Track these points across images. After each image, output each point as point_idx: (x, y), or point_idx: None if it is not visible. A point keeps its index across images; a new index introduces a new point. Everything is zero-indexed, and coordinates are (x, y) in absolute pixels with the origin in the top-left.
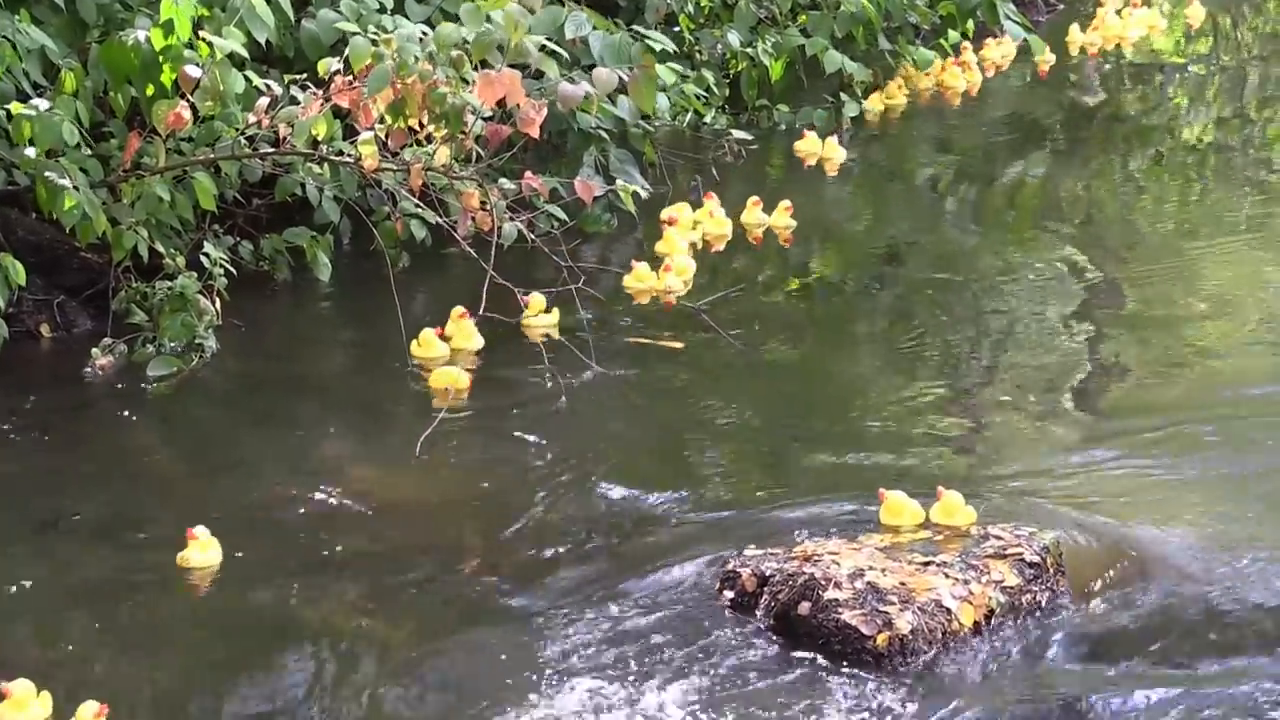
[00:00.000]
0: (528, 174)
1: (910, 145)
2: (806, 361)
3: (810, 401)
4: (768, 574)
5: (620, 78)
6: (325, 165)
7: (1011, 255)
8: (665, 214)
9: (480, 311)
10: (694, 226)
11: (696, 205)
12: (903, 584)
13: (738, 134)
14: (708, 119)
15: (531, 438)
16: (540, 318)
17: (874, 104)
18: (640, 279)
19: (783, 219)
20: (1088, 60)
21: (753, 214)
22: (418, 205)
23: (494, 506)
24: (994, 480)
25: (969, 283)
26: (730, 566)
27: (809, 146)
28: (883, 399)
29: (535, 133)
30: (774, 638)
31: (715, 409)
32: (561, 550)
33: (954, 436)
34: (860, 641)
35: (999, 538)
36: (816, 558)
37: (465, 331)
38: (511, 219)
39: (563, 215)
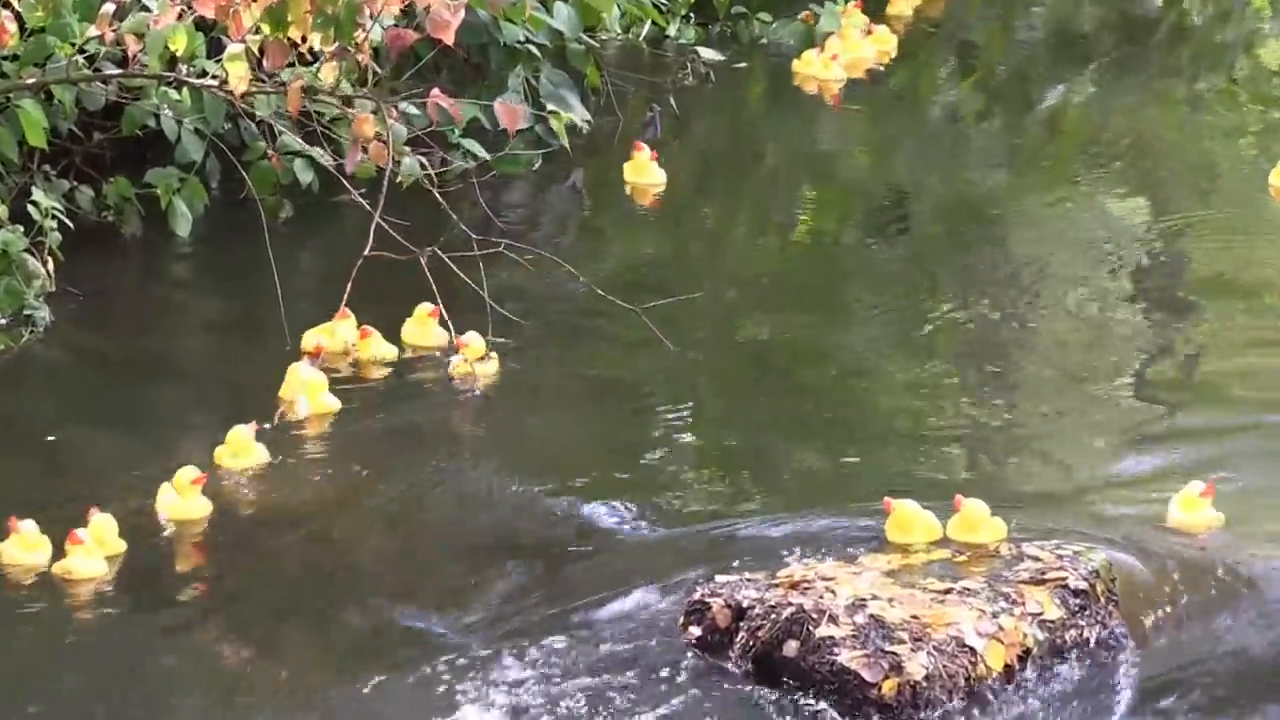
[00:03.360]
0: (436, 92)
1: (925, 65)
2: (792, 339)
3: (798, 389)
4: (745, 606)
5: None
6: (185, 90)
7: (1050, 204)
8: (310, 342)
9: (365, 252)
10: (345, 353)
11: (654, 141)
12: (915, 617)
13: (705, 53)
14: (670, 32)
15: (448, 436)
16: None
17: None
18: (236, 451)
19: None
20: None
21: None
22: (301, 142)
23: (402, 520)
24: (1028, 486)
25: (996, 239)
26: (698, 596)
27: (634, 171)
28: (888, 385)
29: (449, 39)
30: (753, 685)
31: (678, 399)
32: (487, 575)
33: (978, 432)
34: (862, 690)
35: (1036, 559)
36: (806, 585)
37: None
38: (414, 154)
39: (482, 152)
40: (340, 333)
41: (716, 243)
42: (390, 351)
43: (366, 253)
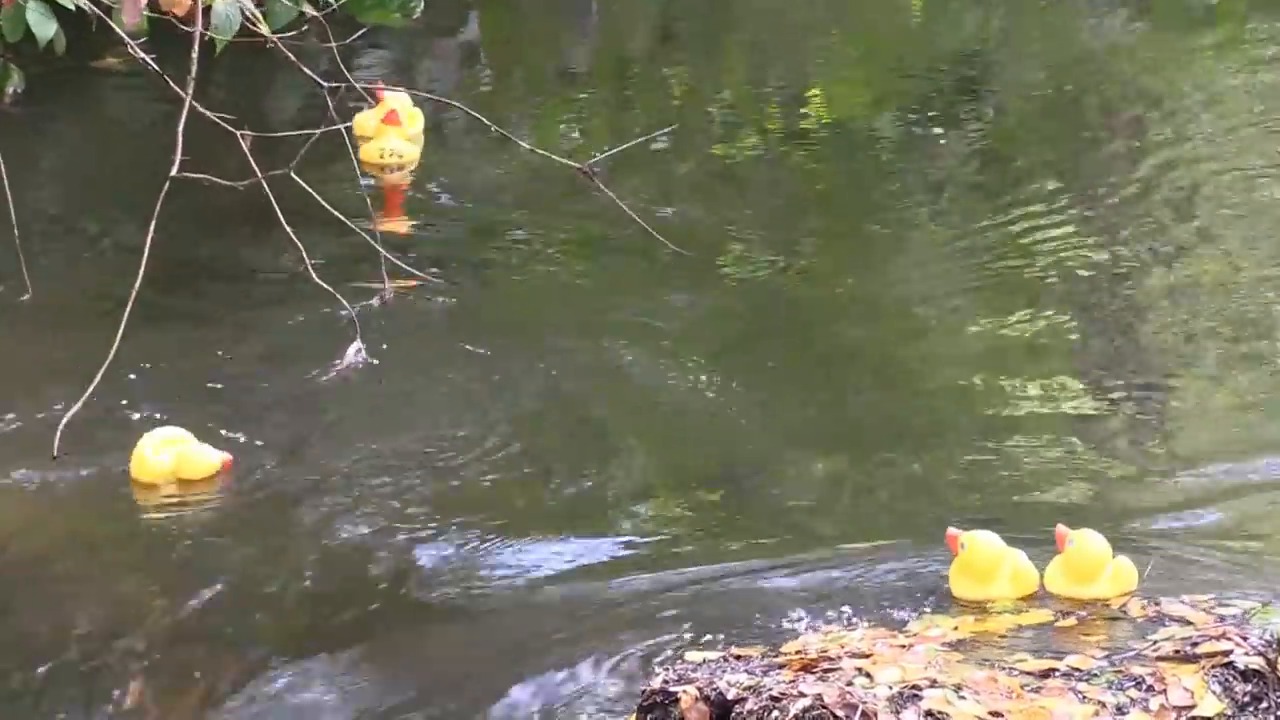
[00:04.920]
0: None
1: None
2: (811, 285)
3: (819, 360)
4: (731, 698)
5: None
6: None
7: (1209, 79)
8: None
9: (172, 172)
10: None
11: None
12: (997, 715)
13: None
14: None
15: (281, 437)
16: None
17: None
18: None
19: None
20: None
21: None
22: None
23: (209, 563)
24: (1170, 509)
25: (1121, 126)
26: (658, 684)
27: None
28: (953, 355)
29: None
30: None
31: (638, 379)
32: (341, 645)
33: (1091, 427)
34: None
35: (1183, 622)
36: (827, 665)
37: None
38: None
39: None
40: None
41: (694, 138)
42: None
43: (174, 171)
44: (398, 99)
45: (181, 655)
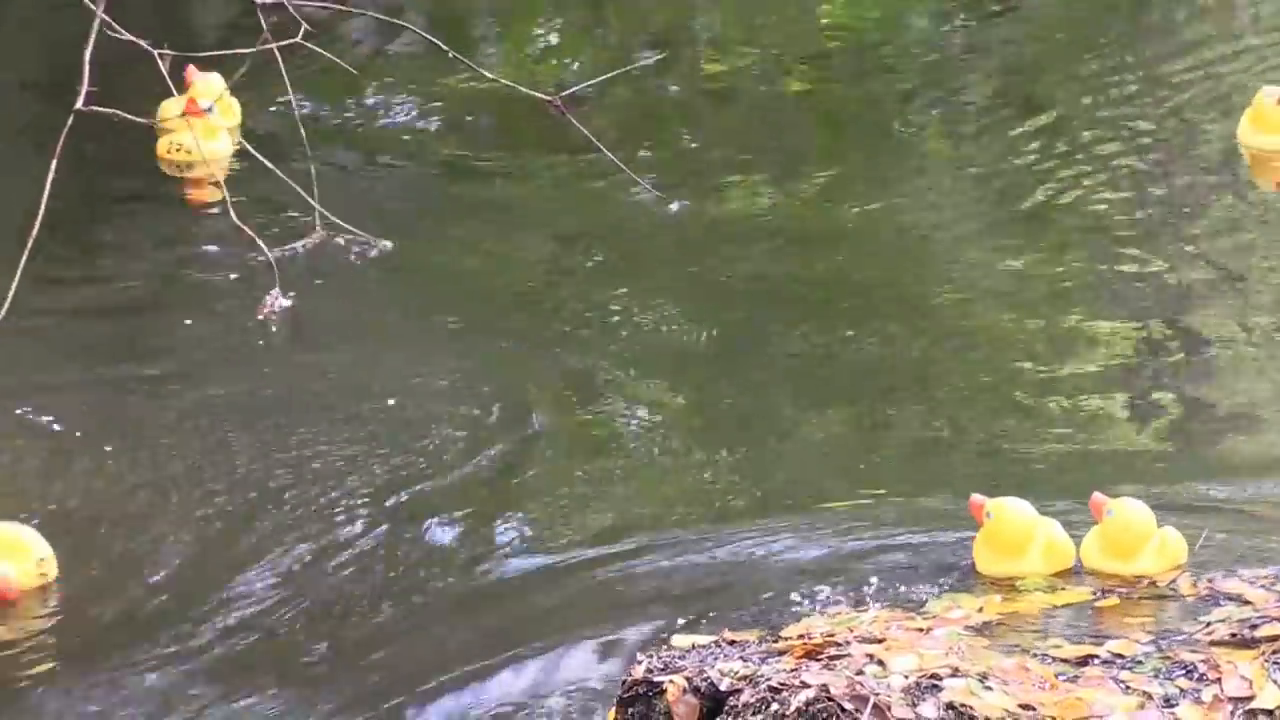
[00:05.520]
0: None
1: None
2: (814, 219)
3: (820, 306)
4: (724, 689)
5: None
6: None
7: None
8: None
9: (78, 104)
10: None
11: None
12: (1028, 708)
13: None
14: None
15: (194, 395)
16: None
17: None
18: None
19: None
20: None
21: None
22: None
23: (128, 553)
24: (1222, 476)
25: (1168, 54)
26: (642, 670)
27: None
28: (978, 299)
29: None
30: None
31: (620, 329)
32: (319, 633)
33: (1134, 382)
34: None
35: (1241, 601)
36: (835, 650)
37: None
38: None
39: None
40: None
41: (683, 56)
42: None
43: (80, 104)
44: (206, 86)
45: (144, 662)
